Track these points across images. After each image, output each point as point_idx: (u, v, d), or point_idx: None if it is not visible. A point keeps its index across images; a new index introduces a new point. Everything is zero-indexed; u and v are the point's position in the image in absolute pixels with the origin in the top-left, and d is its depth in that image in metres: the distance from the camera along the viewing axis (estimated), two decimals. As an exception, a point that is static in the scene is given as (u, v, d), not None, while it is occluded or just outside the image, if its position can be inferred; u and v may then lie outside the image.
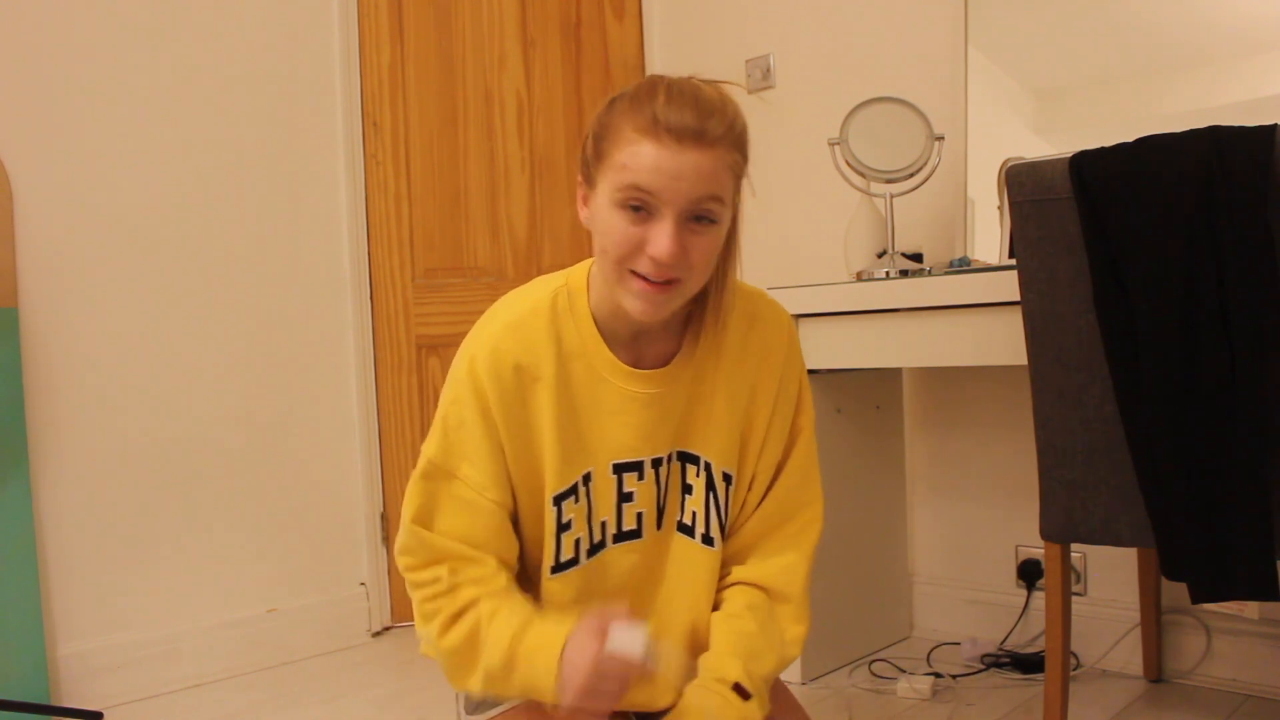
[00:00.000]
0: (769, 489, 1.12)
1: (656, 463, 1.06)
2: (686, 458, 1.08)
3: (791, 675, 1.99)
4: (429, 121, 2.59)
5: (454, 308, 2.60)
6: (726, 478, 1.09)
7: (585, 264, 1.08)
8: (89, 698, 2.00)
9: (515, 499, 1.04)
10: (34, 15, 2.02)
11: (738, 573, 1.12)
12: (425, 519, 1.03)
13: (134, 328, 2.14)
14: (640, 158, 0.92)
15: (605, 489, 1.04)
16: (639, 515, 1.06)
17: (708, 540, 1.08)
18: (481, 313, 1.10)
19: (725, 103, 0.95)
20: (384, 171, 2.54)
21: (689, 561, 1.08)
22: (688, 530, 1.08)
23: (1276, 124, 1.26)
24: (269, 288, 2.35)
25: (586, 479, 1.04)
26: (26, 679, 1.91)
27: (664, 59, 2.78)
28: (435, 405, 1.09)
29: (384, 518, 2.52)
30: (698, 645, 1.08)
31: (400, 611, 2.55)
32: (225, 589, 2.24)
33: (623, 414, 1.04)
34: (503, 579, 1.03)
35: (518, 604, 1.01)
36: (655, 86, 0.95)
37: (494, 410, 1.01)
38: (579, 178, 1.02)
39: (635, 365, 1.06)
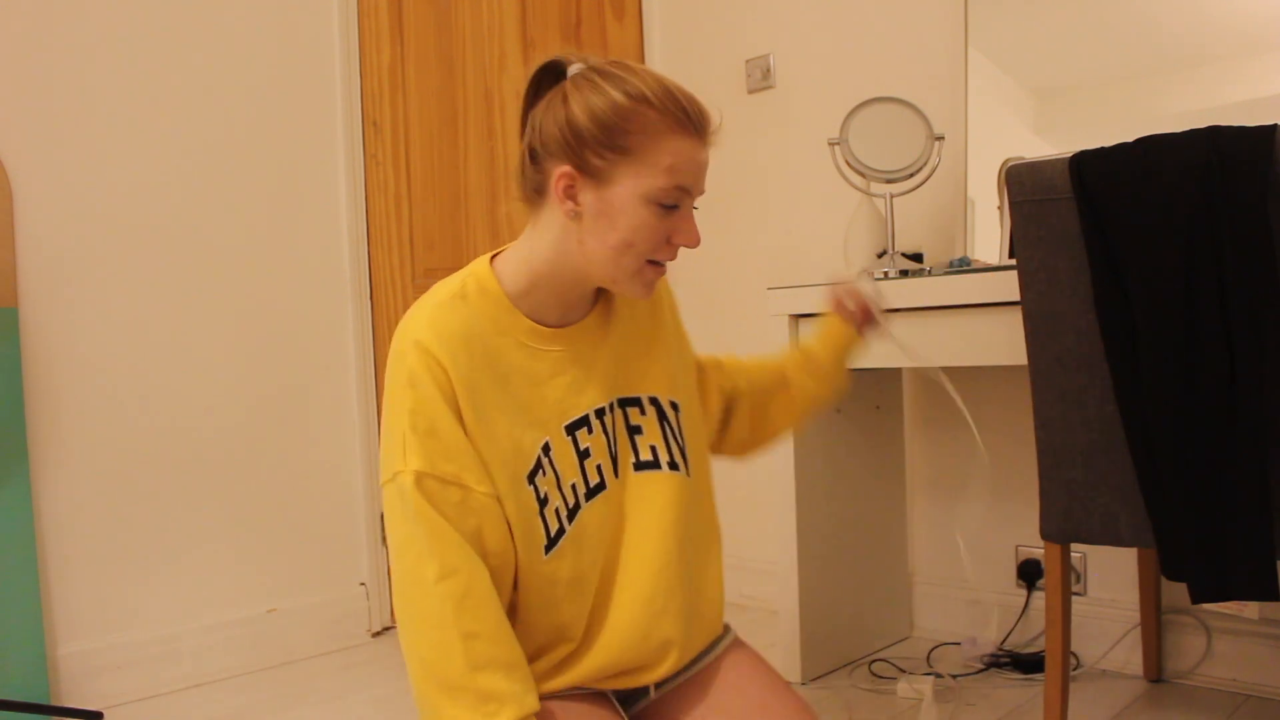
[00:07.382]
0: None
1: (600, 413, 1.08)
2: (626, 402, 1.11)
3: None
4: (429, 121, 2.59)
5: (454, 308, 2.59)
6: (674, 405, 1.13)
7: (480, 260, 1.07)
8: (89, 698, 2.00)
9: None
10: (34, 15, 2.02)
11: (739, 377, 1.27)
12: (439, 564, 0.95)
13: (134, 328, 2.14)
14: (685, 156, 0.97)
15: (565, 452, 1.05)
16: (598, 468, 1.07)
17: (674, 466, 1.11)
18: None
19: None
20: (384, 171, 2.54)
21: (652, 493, 1.09)
22: (650, 465, 1.10)
23: (1276, 124, 1.26)
24: (269, 288, 2.35)
25: (546, 449, 1.04)
26: (26, 679, 1.91)
27: (664, 59, 2.78)
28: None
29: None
30: (670, 575, 1.08)
31: (400, 611, 2.55)
32: (225, 589, 2.24)
33: (558, 375, 1.05)
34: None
35: None
36: (660, 81, 0.99)
37: (456, 390, 0.97)
38: (566, 166, 0.98)
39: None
